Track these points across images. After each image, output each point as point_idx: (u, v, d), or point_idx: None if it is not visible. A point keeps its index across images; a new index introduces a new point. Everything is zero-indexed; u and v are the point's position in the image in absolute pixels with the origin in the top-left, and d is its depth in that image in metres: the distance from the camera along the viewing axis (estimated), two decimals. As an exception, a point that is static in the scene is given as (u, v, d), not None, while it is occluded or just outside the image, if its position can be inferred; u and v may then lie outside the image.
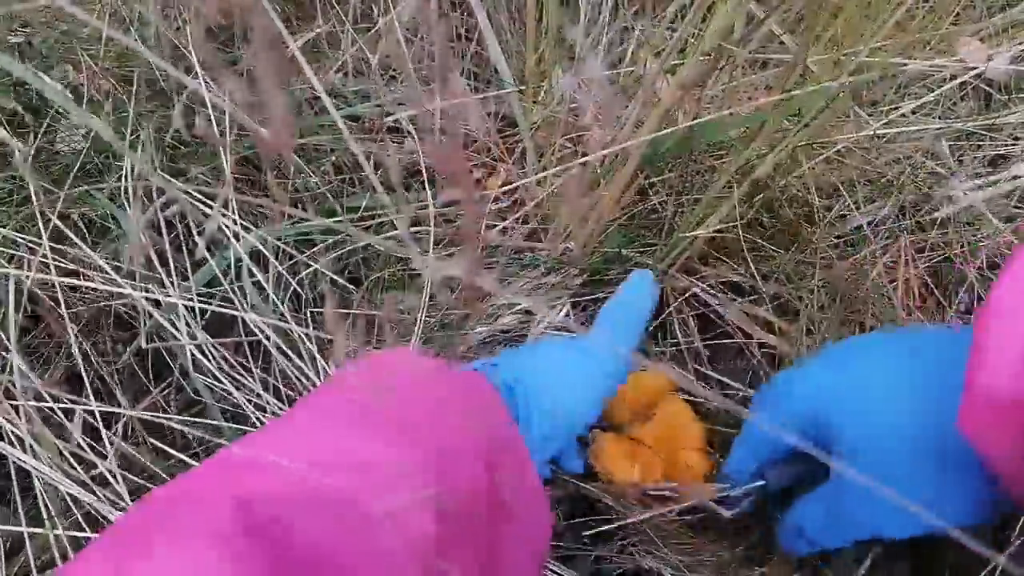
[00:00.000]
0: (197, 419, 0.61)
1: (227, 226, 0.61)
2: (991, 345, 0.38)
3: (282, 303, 0.64)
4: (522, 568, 0.42)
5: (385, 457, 0.35)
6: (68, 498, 0.53)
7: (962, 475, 0.43)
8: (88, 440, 0.55)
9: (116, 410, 0.58)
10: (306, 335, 0.62)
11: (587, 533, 0.60)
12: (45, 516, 0.52)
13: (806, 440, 0.50)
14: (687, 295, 0.69)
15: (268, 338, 0.59)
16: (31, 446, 0.53)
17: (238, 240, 0.61)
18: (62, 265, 0.61)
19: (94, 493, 0.53)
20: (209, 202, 0.65)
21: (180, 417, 0.62)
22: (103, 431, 0.56)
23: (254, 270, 0.62)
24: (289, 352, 0.61)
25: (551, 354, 0.52)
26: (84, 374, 0.60)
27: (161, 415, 0.59)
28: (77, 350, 0.60)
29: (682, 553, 0.57)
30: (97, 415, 0.56)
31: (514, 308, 0.65)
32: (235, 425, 0.59)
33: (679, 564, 0.56)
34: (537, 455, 0.47)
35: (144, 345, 0.61)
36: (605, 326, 0.55)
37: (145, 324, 0.62)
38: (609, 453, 0.60)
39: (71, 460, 0.54)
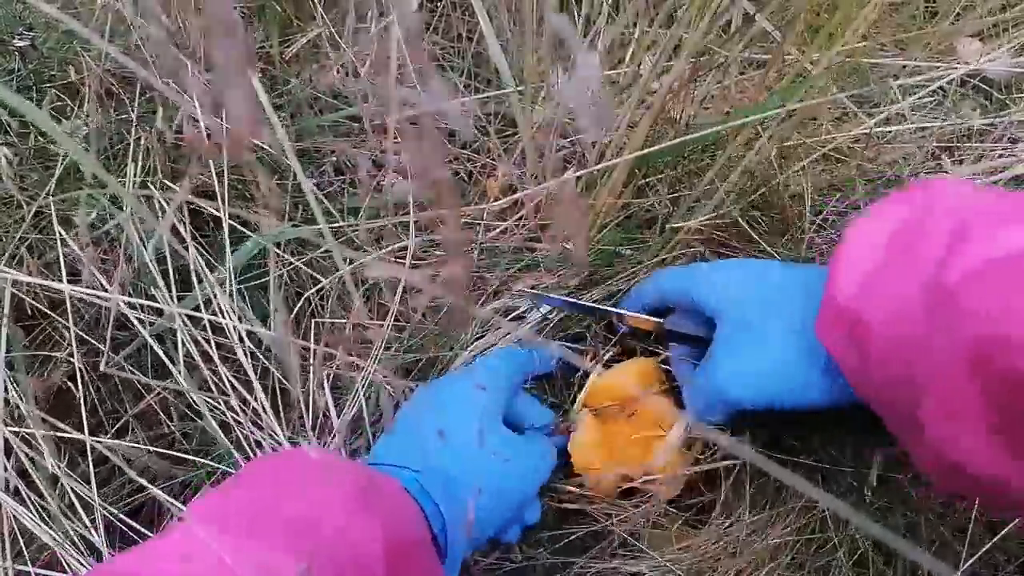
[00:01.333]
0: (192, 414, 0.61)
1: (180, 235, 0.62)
2: (840, 268, 0.46)
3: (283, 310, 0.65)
4: None
5: (283, 569, 0.35)
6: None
7: (813, 359, 0.50)
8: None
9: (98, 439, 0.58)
10: (306, 348, 0.62)
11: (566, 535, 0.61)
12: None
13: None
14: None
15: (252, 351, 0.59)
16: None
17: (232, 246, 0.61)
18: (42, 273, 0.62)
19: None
20: (209, 209, 0.65)
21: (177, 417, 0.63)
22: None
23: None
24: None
25: (472, 454, 0.54)
26: (81, 377, 0.60)
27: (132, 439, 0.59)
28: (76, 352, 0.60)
29: (668, 548, 0.57)
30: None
31: (497, 326, 0.65)
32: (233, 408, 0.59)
33: (665, 562, 0.56)
34: (452, 559, 0.49)
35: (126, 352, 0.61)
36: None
37: (146, 327, 0.63)
38: (585, 448, 0.60)
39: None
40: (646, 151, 0.54)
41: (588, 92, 0.28)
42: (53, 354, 0.65)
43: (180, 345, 0.59)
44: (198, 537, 0.36)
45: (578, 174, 0.58)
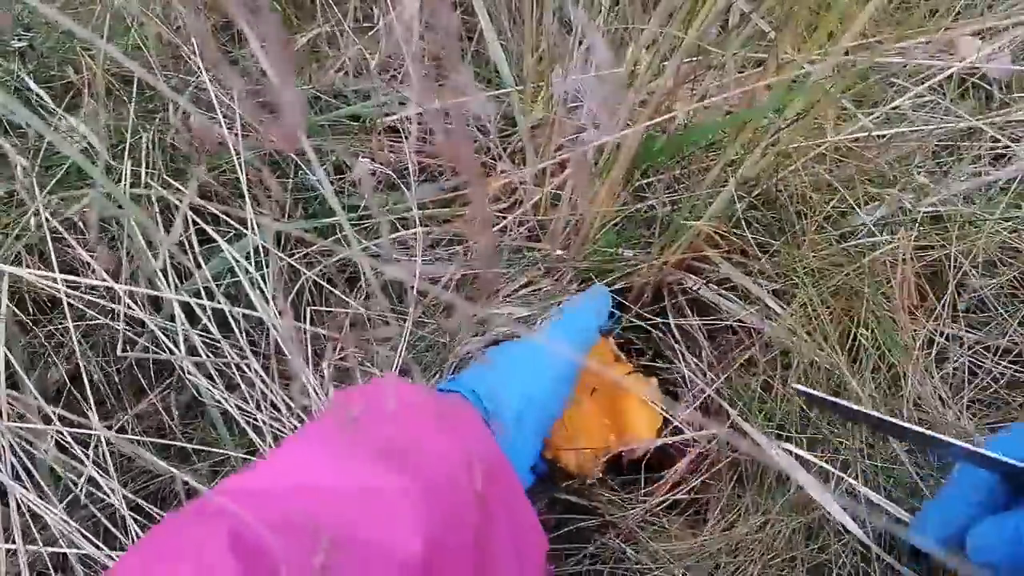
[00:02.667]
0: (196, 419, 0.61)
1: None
2: None
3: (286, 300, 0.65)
4: None
5: (384, 486, 0.36)
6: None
7: None
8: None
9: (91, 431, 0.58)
10: (303, 331, 0.62)
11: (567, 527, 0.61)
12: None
13: None
14: (683, 290, 0.69)
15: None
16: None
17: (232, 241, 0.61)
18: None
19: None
20: (215, 210, 0.65)
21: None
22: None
23: (251, 270, 0.62)
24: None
25: (512, 353, 0.55)
26: (83, 376, 0.60)
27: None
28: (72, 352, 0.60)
29: (669, 544, 0.57)
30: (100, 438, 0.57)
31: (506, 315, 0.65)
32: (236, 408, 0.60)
33: (667, 556, 0.56)
34: (519, 466, 0.49)
35: (128, 353, 0.61)
36: (562, 320, 0.59)
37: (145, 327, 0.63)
38: (556, 441, 0.60)
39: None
40: (644, 132, 0.53)
41: (598, 75, 0.28)
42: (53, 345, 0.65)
43: (182, 334, 0.59)
44: (302, 458, 0.38)
45: (563, 155, 0.58)
